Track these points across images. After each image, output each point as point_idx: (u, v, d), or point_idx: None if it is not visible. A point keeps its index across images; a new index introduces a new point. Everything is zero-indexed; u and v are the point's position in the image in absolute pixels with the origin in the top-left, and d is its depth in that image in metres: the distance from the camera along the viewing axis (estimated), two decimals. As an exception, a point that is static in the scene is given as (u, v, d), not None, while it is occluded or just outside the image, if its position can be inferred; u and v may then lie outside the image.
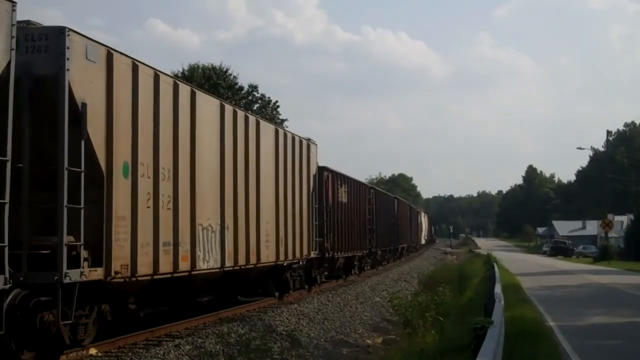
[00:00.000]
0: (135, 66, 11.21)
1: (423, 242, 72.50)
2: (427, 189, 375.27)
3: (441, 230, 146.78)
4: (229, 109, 14.97)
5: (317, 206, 22.03)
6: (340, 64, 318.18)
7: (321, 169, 23.43)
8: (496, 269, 28.20)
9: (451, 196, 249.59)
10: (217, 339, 12.97)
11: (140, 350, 11.47)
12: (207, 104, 13.96)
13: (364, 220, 30.59)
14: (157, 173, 11.63)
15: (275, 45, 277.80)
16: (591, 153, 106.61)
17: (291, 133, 19.94)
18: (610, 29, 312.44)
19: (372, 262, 35.51)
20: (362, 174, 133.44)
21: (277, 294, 19.33)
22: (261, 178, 16.64)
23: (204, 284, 14.61)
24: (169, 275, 12.11)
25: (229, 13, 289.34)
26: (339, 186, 25.71)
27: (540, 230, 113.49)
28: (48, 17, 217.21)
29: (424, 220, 72.93)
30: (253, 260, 16.09)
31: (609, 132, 75.24)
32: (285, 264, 18.92)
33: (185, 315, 14.50)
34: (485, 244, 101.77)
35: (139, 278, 11.09)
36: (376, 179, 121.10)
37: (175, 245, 12.23)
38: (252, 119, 16.53)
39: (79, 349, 10.75)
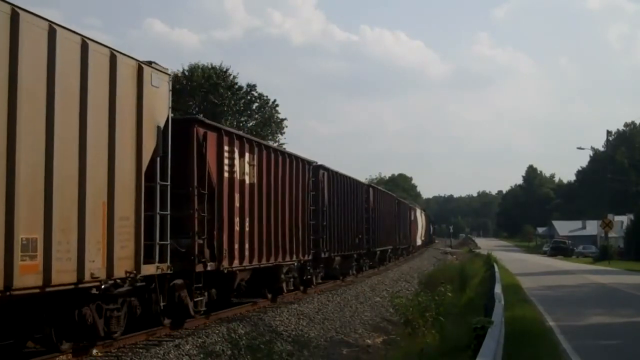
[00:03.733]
0: None
1: (419, 242, 65.97)
2: (427, 189, 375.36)
3: (441, 230, 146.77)
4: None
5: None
6: (339, 64, 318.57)
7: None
8: (496, 269, 28.22)
9: (451, 196, 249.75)
10: (217, 339, 12.98)
11: (140, 350, 11.48)
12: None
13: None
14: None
15: (274, 45, 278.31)
16: (591, 153, 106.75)
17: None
18: (609, 28, 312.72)
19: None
20: (362, 174, 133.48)
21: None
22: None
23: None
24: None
25: (227, 13, 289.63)
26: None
27: (540, 230, 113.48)
28: (47, 16, 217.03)
29: (420, 218, 66.54)
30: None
31: (609, 132, 74.99)
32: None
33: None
34: (485, 244, 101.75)
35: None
36: (376, 179, 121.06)
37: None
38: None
39: (79, 348, 10.77)
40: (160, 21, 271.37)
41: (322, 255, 22.70)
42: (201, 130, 13.62)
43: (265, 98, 58.33)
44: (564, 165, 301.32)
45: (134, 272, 10.88)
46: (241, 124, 56.31)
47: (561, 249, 73.00)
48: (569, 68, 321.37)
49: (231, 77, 56.87)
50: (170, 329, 13.20)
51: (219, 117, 49.16)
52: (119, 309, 11.31)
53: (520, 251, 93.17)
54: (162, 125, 11.89)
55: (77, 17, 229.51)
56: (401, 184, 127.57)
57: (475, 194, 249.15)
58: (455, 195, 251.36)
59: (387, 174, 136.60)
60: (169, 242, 12.06)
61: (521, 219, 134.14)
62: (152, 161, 11.59)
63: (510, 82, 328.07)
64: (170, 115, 12.24)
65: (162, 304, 12.33)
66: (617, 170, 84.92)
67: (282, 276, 18.95)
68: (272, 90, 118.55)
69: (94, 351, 11.08)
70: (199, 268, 13.41)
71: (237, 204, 15.20)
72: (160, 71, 12.04)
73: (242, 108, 57.63)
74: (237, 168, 15.12)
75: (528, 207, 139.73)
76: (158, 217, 11.68)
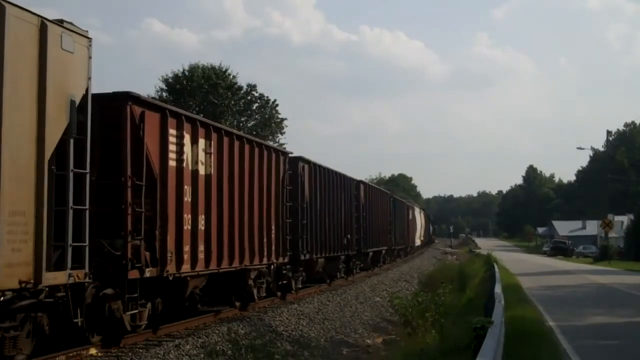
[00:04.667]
0: None
1: (418, 243, 62.84)
2: (427, 189, 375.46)
3: (441, 230, 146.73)
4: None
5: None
6: (338, 64, 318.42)
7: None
8: (496, 269, 28.19)
9: (451, 196, 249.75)
10: (217, 339, 12.98)
11: (140, 350, 11.47)
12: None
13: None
14: None
15: (273, 45, 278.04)
16: (591, 153, 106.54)
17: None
18: (609, 28, 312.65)
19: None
20: (362, 174, 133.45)
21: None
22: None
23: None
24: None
25: (226, 13, 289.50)
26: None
27: (540, 230, 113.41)
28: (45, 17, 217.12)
29: (419, 217, 63.87)
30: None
31: (609, 132, 75.28)
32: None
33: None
34: (485, 244, 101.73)
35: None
36: (376, 179, 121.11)
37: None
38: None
39: (80, 349, 10.76)
40: (159, 21, 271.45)
41: (302, 257, 20.34)
42: (137, 109, 11.43)
43: (265, 98, 58.39)
44: (564, 165, 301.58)
45: (32, 281, 8.74)
46: (241, 124, 56.33)
47: (561, 249, 72.99)
48: (568, 68, 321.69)
49: (231, 77, 56.91)
50: (102, 347, 11.26)
51: (219, 117, 49.17)
52: (16, 327, 9.14)
53: (520, 251, 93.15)
54: (77, 99, 9.77)
55: (76, 17, 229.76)
56: (401, 184, 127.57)
57: (475, 194, 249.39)
58: (455, 195, 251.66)
59: (387, 174, 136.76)
60: (87, 243, 9.78)
61: (521, 219, 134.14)
62: (64, 143, 9.47)
63: (510, 82, 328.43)
64: (91, 87, 10.13)
65: (79, 319, 10.00)
66: (617, 170, 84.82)
67: (251, 282, 16.59)
68: (271, 91, 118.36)
69: (94, 351, 11.07)
70: (133, 274, 11.16)
71: (187, 198, 12.85)
72: (76, 33, 9.85)
73: (242, 108, 57.65)
74: (187, 156, 12.88)
75: (528, 207, 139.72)
76: (71, 212, 9.47)
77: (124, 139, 11.21)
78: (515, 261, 53.08)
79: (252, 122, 57.95)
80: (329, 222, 23.52)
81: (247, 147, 15.85)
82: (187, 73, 55.56)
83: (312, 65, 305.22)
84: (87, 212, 9.80)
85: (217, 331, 13.54)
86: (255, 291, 17.05)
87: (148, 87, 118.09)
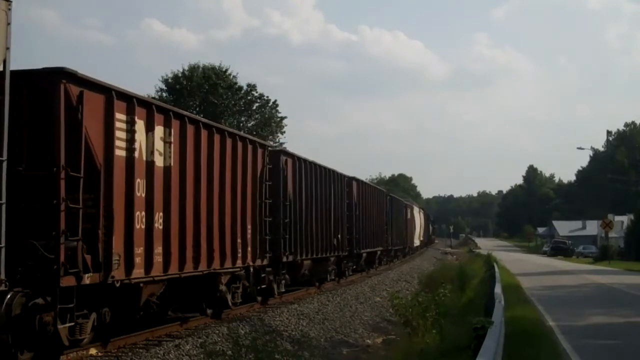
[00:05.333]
0: None
1: (417, 243, 60.84)
2: (427, 189, 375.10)
3: (441, 230, 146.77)
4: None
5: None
6: (338, 64, 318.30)
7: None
8: (496, 269, 28.19)
9: (451, 196, 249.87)
10: (217, 339, 12.99)
11: (140, 350, 11.48)
12: None
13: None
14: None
15: (272, 45, 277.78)
16: (591, 153, 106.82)
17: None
18: (608, 28, 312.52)
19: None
20: (362, 174, 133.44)
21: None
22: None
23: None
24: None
25: (225, 13, 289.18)
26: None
27: (540, 230, 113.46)
28: (43, 17, 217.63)
29: (417, 216, 61.67)
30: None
31: (609, 132, 75.61)
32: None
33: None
34: (485, 244, 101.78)
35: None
36: (376, 179, 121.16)
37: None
38: None
39: (80, 349, 10.76)
40: (159, 21, 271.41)
41: (284, 259, 18.69)
42: (75, 89, 9.79)
43: (265, 98, 58.46)
44: (564, 165, 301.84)
45: None
46: (241, 124, 56.39)
47: (561, 249, 73.02)
48: (568, 68, 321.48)
49: (231, 77, 56.97)
50: None
51: (219, 117, 49.21)
52: None
53: (520, 251, 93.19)
54: None
55: (76, 17, 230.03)
56: (401, 184, 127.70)
57: (475, 194, 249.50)
58: (455, 195, 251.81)
59: (387, 174, 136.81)
60: (3, 244, 8.41)
61: (521, 219, 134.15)
62: None
63: (510, 82, 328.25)
64: (9, 59, 8.68)
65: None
66: (617, 170, 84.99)
67: (223, 287, 14.92)
68: (270, 90, 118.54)
69: (94, 351, 11.08)
70: (68, 281, 9.53)
71: (140, 193, 11.18)
72: None
73: (242, 108, 57.71)
74: (141, 145, 11.20)
75: (528, 207, 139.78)
76: None
77: (56, 123, 9.60)
78: (515, 261, 53.12)
79: (252, 122, 58.04)
80: (316, 221, 21.63)
81: (217, 137, 14.08)
82: (187, 73, 55.63)
83: (312, 65, 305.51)
84: (3, 207, 8.44)
85: (217, 331, 13.55)
86: (229, 297, 15.38)
87: (148, 87, 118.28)
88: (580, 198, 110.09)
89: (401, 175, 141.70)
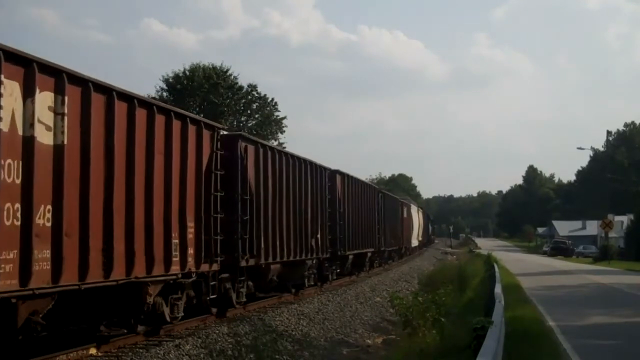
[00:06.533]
0: None
1: (415, 243, 58.48)
2: (427, 189, 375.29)
3: (441, 230, 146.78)
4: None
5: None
6: (337, 64, 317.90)
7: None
8: (496, 269, 28.20)
9: (451, 196, 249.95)
10: (217, 339, 12.99)
11: (140, 350, 11.49)
12: None
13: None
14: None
15: (272, 45, 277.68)
16: (591, 153, 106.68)
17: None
18: (608, 28, 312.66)
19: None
20: (362, 174, 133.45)
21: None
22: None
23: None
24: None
25: (224, 13, 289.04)
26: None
27: (540, 230, 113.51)
28: (43, 17, 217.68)
29: (416, 215, 59.16)
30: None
31: (609, 132, 75.62)
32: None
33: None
34: (485, 244, 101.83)
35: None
36: (376, 179, 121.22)
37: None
38: None
39: (79, 349, 10.77)
40: (158, 21, 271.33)
41: (243, 262, 15.57)
42: None
43: (265, 98, 58.52)
44: (564, 165, 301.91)
45: None
46: (241, 124, 56.45)
47: (561, 249, 73.02)
48: (568, 68, 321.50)
49: (232, 77, 57.05)
50: None
51: (219, 117, 49.24)
52: None
53: (520, 251, 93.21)
54: None
55: (75, 17, 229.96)
56: (401, 184, 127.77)
57: (475, 194, 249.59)
58: (455, 195, 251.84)
59: (387, 174, 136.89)
60: None
61: (521, 219, 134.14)
62: None
63: (509, 82, 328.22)
64: None
65: None
66: (617, 170, 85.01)
67: (152, 299, 11.90)
68: (270, 91, 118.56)
69: (94, 351, 11.08)
70: None
71: (10, 177, 8.40)
72: None
73: (242, 108, 57.77)
74: (13, 114, 8.51)
75: (528, 207, 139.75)
76: None
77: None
78: (516, 261, 53.12)
79: (252, 122, 58.11)
80: (287, 219, 18.55)
81: (141, 112, 11.24)
82: (187, 73, 55.71)
83: (311, 65, 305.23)
84: None
85: (217, 331, 13.55)
86: (166, 310, 12.60)
87: (148, 86, 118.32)
88: (580, 198, 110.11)
89: (401, 175, 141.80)
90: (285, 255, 18.36)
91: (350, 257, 27.30)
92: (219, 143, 14.20)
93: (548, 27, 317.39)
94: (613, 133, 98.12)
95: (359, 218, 28.44)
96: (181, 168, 12.59)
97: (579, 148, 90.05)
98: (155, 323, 12.71)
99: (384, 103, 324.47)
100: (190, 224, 12.84)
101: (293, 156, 19.64)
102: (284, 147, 29.53)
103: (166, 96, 54.02)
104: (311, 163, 21.45)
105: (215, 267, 13.98)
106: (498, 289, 17.51)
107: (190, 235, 12.84)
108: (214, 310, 15.13)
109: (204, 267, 13.51)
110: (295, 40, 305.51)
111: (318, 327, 17.00)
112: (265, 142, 18.09)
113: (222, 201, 14.17)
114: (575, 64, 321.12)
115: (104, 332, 11.76)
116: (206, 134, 13.67)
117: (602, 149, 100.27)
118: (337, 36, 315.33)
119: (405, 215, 49.10)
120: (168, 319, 12.79)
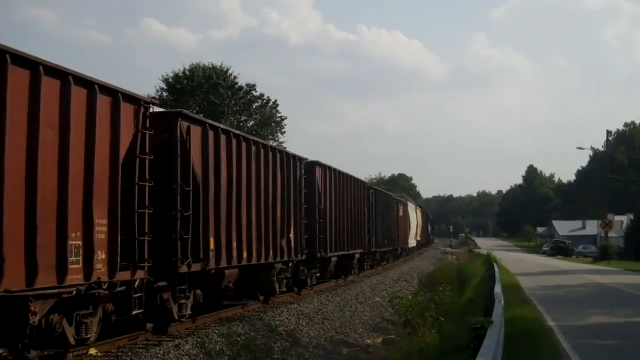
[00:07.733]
0: None
1: (413, 244, 55.87)
2: (427, 189, 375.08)
3: (441, 230, 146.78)
4: None
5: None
6: (337, 64, 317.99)
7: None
8: (496, 269, 28.20)
9: (451, 196, 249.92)
10: (217, 339, 12.99)
11: (140, 350, 11.49)
12: None
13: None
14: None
15: (271, 45, 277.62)
16: (591, 153, 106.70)
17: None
18: (607, 28, 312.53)
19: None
20: (362, 174, 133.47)
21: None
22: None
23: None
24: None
25: (224, 13, 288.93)
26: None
27: (540, 230, 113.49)
28: (42, 17, 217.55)
29: (414, 214, 56.63)
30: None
31: (609, 132, 75.04)
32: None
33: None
34: (485, 244, 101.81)
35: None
36: (376, 179, 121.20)
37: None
38: None
39: (80, 348, 10.77)
40: (157, 21, 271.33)
41: (185, 268, 12.90)
42: None
43: (266, 98, 58.55)
44: (564, 165, 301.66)
45: None
46: (241, 124, 56.45)
47: (561, 249, 73.01)
48: (568, 68, 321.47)
49: (232, 77, 57.07)
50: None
51: (219, 117, 49.24)
52: None
53: (520, 251, 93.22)
54: None
55: (74, 17, 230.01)
56: (401, 184, 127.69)
57: (475, 194, 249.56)
58: (455, 195, 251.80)
59: (387, 174, 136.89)
60: None
61: (521, 219, 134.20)
62: None
63: (509, 82, 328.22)
64: None
65: None
66: (617, 170, 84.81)
67: (33, 318, 9.05)
68: (270, 91, 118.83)
69: (94, 351, 11.08)
70: None
71: None
72: None
73: (242, 108, 57.78)
74: None
75: (528, 207, 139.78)
76: None
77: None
78: (515, 261, 53.12)
79: (252, 122, 58.13)
80: (247, 216, 15.74)
81: (17, 71, 8.59)
82: (187, 73, 55.73)
83: (311, 65, 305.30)
84: None
85: (217, 331, 13.56)
86: (71, 330, 10.24)
87: (147, 87, 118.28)
88: (580, 198, 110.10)
89: (401, 175, 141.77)
90: (245, 259, 15.54)
91: (334, 259, 24.26)
92: (148, 121, 11.51)
93: (548, 27, 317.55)
94: (613, 133, 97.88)
95: (344, 216, 25.31)
96: (87, 149, 9.93)
97: (579, 148, 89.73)
98: (62, 346, 10.25)
99: (383, 103, 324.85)
100: (101, 221, 10.22)
101: (256, 142, 16.66)
102: (284, 147, 27.89)
103: (166, 96, 54.07)
104: (281, 151, 18.93)
105: (140, 274, 11.23)
106: (498, 289, 17.51)
107: (101, 236, 10.21)
108: (149, 326, 12.78)
109: (123, 276, 10.77)
110: (295, 40, 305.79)
111: (318, 327, 17.00)
112: (216, 124, 14.61)
113: (154, 194, 11.60)
114: (575, 64, 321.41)
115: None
116: (127, 108, 10.97)
117: (602, 149, 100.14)
118: (337, 36, 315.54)
119: (401, 214, 46.35)
120: (72, 340, 10.26)
